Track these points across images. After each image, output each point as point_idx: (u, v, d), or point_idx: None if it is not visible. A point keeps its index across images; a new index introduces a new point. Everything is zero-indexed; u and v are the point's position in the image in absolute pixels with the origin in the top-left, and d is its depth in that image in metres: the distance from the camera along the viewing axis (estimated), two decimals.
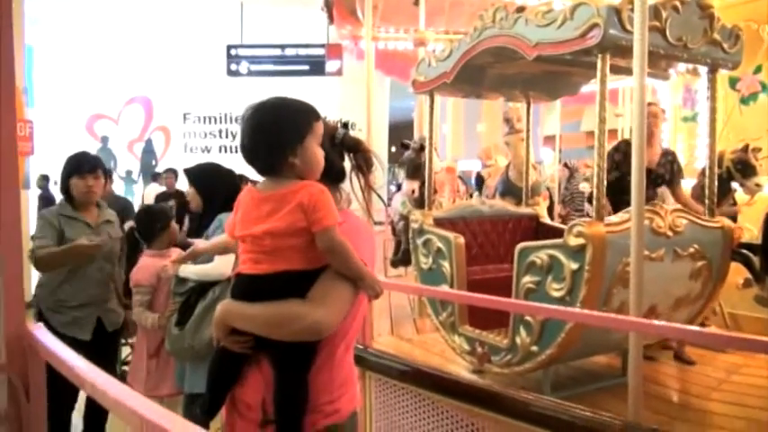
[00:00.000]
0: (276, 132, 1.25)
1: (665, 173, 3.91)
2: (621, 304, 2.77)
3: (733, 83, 5.18)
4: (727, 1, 5.29)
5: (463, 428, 2.57)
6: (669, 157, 3.98)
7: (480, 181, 8.29)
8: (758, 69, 5.16)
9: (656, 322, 2.36)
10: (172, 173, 8.10)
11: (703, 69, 3.37)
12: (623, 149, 3.91)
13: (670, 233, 2.97)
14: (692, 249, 3.08)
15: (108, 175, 3.08)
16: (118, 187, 13.41)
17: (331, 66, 10.15)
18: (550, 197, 7.10)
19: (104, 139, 13.42)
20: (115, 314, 3.03)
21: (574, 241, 2.77)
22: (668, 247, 2.97)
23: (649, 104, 3.89)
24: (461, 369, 3.36)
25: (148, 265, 2.93)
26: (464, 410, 2.57)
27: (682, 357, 3.61)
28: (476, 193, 8.15)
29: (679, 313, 3.21)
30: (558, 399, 2.59)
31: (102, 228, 2.94)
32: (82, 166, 2.86)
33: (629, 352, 2.38)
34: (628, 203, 3.54)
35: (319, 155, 1.30)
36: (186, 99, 12.95)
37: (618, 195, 3.63)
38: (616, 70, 3.02)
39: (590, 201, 3.54)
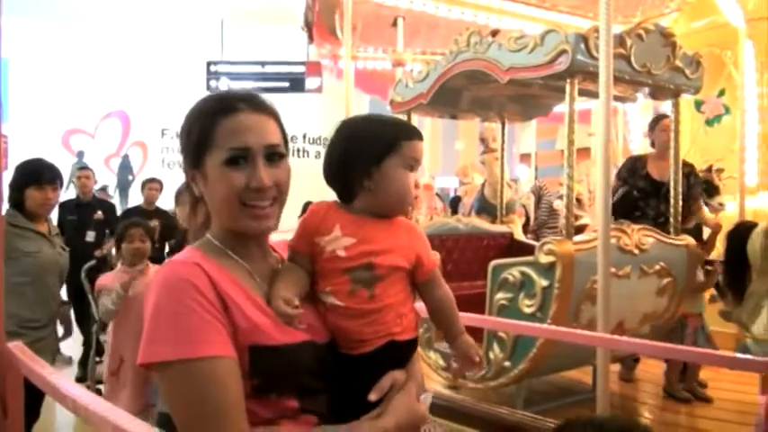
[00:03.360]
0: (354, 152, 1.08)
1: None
2: (590, 320, 2.86)
3: (698, 105, 5.40)
4: (691, 27, 5.54)
5: None
6: (685, 170, 3.76)
7: (456, 202, 8.40)
8: (721, 93, 5.39)
9: (622, 338, 2.45)
10: (157, 183, 5.98)
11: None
12: (629, 165, 3.96)
13: (636, 251, 3.08)
14: (657, 267, 3.19)
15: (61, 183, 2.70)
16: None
17: (311, 83, 10.24)
18: (526, 214, 7.24)
19: (80, 154, 13.26)
20: (57, 338, 2.74)
21: (544, 259, 2.86)
22: (635, 264, 3.08)
23: (664, 117, 3.89)
24: (437, 384, 3.41)
25: (114, 275, 2.97)
26: (440, 426, 2.61)
27: (695, 393, 3.42)
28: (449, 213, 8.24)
29: (646, 328, 3.31)
30: (531, 413, 2.65)
31: (56, 239, 2.68)
32: (41, 176, 2.55)
33: (598, 366, 2.46)
34: (632, 218, 3.60)
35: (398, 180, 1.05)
36: (164, 114, 12.89)
37: (625, 213, 3.62)
38: (585, 93, 3.15)
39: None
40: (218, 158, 0.93)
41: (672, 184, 3.45)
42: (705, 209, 4.24)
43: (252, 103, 0.97)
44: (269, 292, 0.95)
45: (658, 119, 3.89)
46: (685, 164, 3.86)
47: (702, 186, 4.00)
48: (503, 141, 4.61)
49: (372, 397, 0.94)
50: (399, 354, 1.01)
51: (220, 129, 0.93)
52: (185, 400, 0.82)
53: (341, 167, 1.05)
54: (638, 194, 3.80)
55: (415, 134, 1.08)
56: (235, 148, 0.92)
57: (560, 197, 7.34)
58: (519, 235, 4.56)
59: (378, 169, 1.03)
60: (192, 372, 0.81)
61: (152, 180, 5.63)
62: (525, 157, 12.76)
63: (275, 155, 0.96)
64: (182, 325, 0.83)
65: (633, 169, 3.91)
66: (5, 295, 2.33)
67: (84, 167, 6.03)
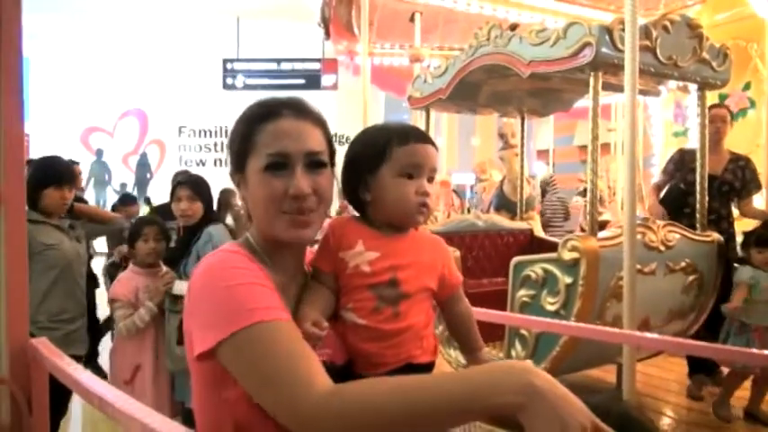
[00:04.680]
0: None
1: (733, 180, 3.60)
2: (615, 317, 2.81)
3: (722, 99, 5.28)
4: (715, 20, 5.43)
5: None
6: (740, 163, 3.64)
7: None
8: (747, 86, 5.28)
9: (648, 335, 2.39)
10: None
11: (693, 86, 3.45)
12: (677, 158, 3.77)
13: (662, 247, 3.02)
14: (683, 263, 3.12)
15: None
16: (112, 200, 13.44)
17: (327, 80, 10.27)
18: None
19: (99, 152, 13.44)
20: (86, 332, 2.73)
21: (568, 255, 2.81)
22: (660, 261, 3.01)
23: (719, 107, 3.74)
24: None
25: (128, 279, 2.82)
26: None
27: (758, 416, 3.10)
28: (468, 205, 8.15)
29: (672, 326, 3.25)
30: None
31: (72, 232, 2.68)
32: (62, 177, 2.57)
33: (624, 364, 2.41)
34: (682, 214, 3.47)
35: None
36: (182, 112, 13.02)
37: (672, 210, 3.53)
38: (608, 87, 3.08)
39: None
40: (258, 164, 0.90)
41: (698, 178, 3.37)
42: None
43: (295, 108, 0.94)
44: (296, 313, 0.91)
45: (709, 108, 3.60)
46: (740, 157, 3.70)
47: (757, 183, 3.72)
48: (522, 137, 4.56)
49: None
50: None
51: (261, 134, 0.91)
52: (256, 361, 0.77)
53: (344, 182, 1.02)
54: (687, 189, 3.56)
55: (412, 138, 1.00)
56: (274, 153, 0.90)
57: (580, 193, 7.26)
58: (539, 231, 4.51)
59: (373, 180, 0.99)
60: (256, 334, 0.77)
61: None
62: (542, 154, 12.65)
63: (316, 163, 0.92)
64: (240, 297, 0.80)
65: (681, 162, 3.69)
66: (35, 292, 2.38)
67: (76, 162, 5.82)
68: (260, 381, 0.76)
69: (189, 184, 2.82)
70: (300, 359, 0.76)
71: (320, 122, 0.96)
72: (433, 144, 1.02)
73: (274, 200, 0.89)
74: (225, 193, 3.97)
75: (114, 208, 5.44)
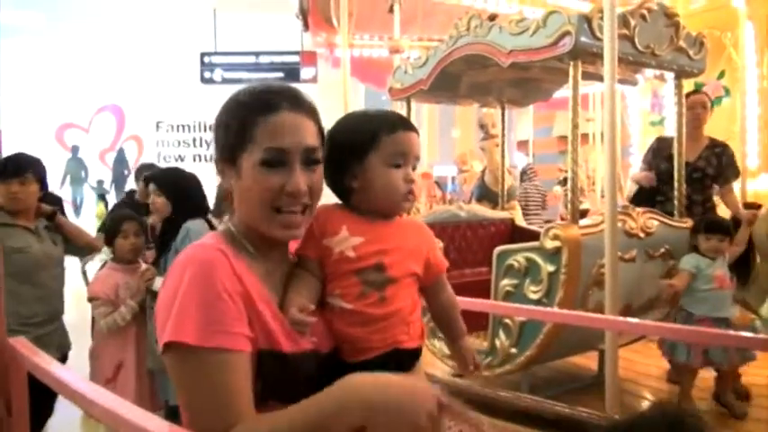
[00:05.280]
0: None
1: (705, 166, 3.55)
2: (597, 305, 2.84)
3: (698, 88, 5.34)
4: (690, 9, 5.49)
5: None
6: (717, 150, 3.58)
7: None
8: (721, 75, 5.35)
9: (630, 319, 2.43)
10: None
11: (669, 75, 3.49)
12: (654, 146, 3.76)
13: (642, 234, 3.05)
14: (662, 250, 3.17)
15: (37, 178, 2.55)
16: (89, 197, 13.22)
17: (306, 73, 10.17)
18: None
19: (75, 149, 13.18)
20: (65, 334, 2.68)
21: (550, 244, 2.83)
22: (640, 248, 3.05)
23: (698, 92, 3.75)
24: (441, 373, 3.39)
25: (107, 276, 2.78)
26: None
27: (727, 403, 2.94)
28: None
29: (652, 312, 3.30)
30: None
31: (44, 233, 2.61)
32: (4, 170, 2.48)
33: (606, 350, 2.44)
34: (655, 202, 3.49)
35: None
36: (159, 107, 12.81)
37: (647, 198, 3.56)
38: (587, 76, 3.10)
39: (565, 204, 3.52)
40: (255, 158, 0.88)
41: (676, 166, 3.42)
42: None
43: (292, 100, 0.92)
44: (282, 300, 0.92)
45: (687, 95, 3.56)
46: (718, 143, 3.68)
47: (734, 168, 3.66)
48: (503, 127, 4.57)
49: None
50: (402, 362, 0.98)
51: (259, 127, 0.88)
52: (199, 385, 0.80)
53: (328, 169, 1.00)
54: (659, 177, 3.58)
55: (399, 126, 1.01)
56: (272, 148, 0.88)
57: (560, 183, 7.29)
58: (520, 221, 4.54)
59: (361, 168, 1.00)
60: (212, 361, 0.79)
61: (149, 166, 4.66)
62: (522, 145, 12.74)
63: (312, 160, 0.92)
64: (210, 311, 0.80)
65: (658, 150, 3.71)
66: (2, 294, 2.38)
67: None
68: (193, 403, 0.81)
69: (153, 180, 2.83)
70: (237, 398, 0.80)
71: (314, 113, 0.96)
72: (416, 131, 1.03)
73: (270, 196, 0.88)
74: (222, 188, 3.92)
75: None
